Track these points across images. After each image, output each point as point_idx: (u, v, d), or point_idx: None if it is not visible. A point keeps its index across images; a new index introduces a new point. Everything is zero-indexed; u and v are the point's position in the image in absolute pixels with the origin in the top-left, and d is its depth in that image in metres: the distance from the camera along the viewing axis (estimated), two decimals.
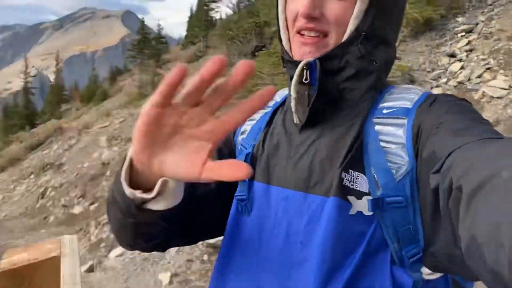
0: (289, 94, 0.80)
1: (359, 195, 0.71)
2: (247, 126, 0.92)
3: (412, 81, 7.14)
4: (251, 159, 0.86)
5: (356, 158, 0.73)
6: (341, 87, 0.78)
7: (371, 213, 0.70)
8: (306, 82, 0.76)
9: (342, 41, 0.75)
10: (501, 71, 6.77)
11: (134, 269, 5.46)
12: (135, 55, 26.07)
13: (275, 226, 0.78)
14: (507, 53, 7.04)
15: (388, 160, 0.71)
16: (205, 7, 29.45)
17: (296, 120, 0.81)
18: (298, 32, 0.77)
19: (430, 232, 0.68)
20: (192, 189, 0.82)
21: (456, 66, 7.49)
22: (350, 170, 0.73)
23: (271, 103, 0.93)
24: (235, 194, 0.85)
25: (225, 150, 0.92)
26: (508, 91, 6.39)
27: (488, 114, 6.00)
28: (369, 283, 0.70)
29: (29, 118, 28.61)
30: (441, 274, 0.73)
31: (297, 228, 0.75)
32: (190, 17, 37.68)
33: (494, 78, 6.75)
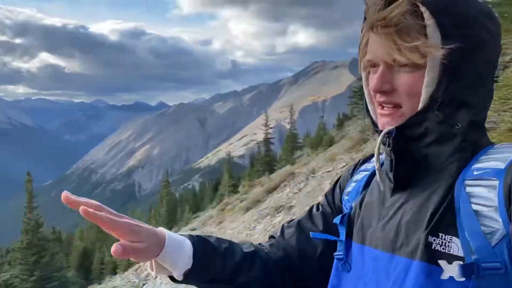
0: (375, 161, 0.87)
1: (451, 259, 0.70)
2: (350, 188, 1.00)
3: None
4: (348, 219, 0.94)
5: (448, 221, 0.73)
6: (424, 152, 0.80)
7: (463, 279, 0.68)
8: (389, 149, 0.82)
9: (418, 110, 0.78)
10: None
11: None
12: (357, 101, 26.83)
13: (366, 285, 0.84)
14: None
15: (481, 223, 0.69)
16: None
17: (381, 187, 0.87)
18: (380, 105, 0.84)
19: None
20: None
21: None
22: (440, 234, 0.73)
23: (370, 166, 1.00)
24: (334, 254, 0.94)
25: (331, 208, 1.04)
26: None
27: None
28: None
29: (269, 164, 32.59)
30: None
31: None
32: None
33: None
